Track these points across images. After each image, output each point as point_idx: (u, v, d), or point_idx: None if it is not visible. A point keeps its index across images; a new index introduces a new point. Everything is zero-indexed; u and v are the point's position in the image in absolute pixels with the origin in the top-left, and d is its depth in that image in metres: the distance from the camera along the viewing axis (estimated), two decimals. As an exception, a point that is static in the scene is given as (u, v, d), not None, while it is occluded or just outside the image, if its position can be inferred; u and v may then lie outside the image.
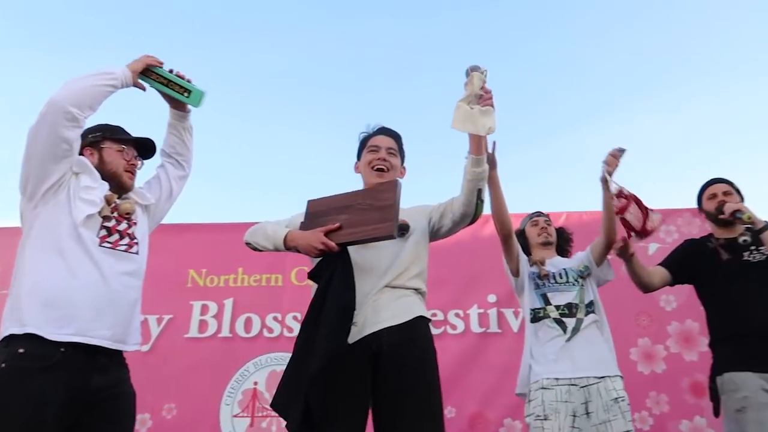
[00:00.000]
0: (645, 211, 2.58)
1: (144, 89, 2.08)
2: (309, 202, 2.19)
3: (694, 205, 2.91)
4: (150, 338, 4.04)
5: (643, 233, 2.59)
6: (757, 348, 2.37)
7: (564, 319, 2.56)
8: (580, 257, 2.84)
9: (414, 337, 2.00)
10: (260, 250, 2.18)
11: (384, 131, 2.33)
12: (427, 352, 2.02)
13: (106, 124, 2.13)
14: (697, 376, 3.87)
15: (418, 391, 1.91)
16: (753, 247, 2.58)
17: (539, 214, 2.96)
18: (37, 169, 1.87)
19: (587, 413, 2.39)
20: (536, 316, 2.63)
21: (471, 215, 2.09)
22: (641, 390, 3.89)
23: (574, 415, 2.38)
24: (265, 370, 4.04)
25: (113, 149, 2.07)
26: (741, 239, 2.60)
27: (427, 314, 2.11)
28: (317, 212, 2.13)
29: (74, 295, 1.80)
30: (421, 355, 1.99)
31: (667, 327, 4.07)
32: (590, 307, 2.62)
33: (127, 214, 2.01)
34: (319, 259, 2.03)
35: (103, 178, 2.01)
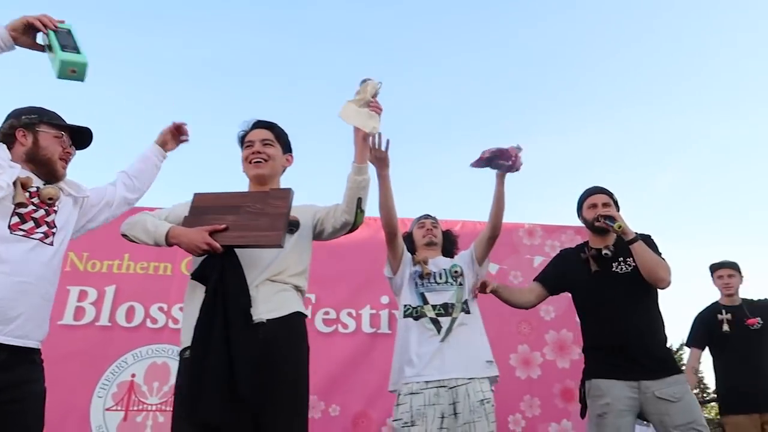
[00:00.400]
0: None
1: (42, 50, 1.87)
2: (195, 195, 2.12)
3: (576, 223, 3.05)
4: (17, 323, 3.72)
5: (485, 160, 2.69)
6: (621, 358, 2.50)
7: (440, 319, 2.62)
8: (462, 255, 2.93)
9: (289, 331, 2.01)
10: (138, 243, 2.08)
11: (257, 124, 2.31)
12: (300, 348, 2.03)
13: (42, 108, 1.99)
14: (567, 383, 4.15)
15: (289, 387, 1.93)
16: (621, 259, 2.68)
17: (426, 216, 3.02)
18: None
19: (455, 414, 2.46)
20: (411, 314, 2.67)
21: (351, 223, 2.14)
22: (517, 393, 4.11)
23: (443, 417, 2.43)
24: (145, 362, 3.85)
25: (50, 134, 1.94)
26: (603, 251, 2.71)
27: (304, 310, 2.12)
28: (203, 207, 2.06)
29: None
30: (294, 350, 2.00)
31: (545, 335, 4.33)
32: (466, 305, 2.69)
33: (50, 199, 1.89)
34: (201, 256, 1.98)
35: (34, 163, 1.89)
